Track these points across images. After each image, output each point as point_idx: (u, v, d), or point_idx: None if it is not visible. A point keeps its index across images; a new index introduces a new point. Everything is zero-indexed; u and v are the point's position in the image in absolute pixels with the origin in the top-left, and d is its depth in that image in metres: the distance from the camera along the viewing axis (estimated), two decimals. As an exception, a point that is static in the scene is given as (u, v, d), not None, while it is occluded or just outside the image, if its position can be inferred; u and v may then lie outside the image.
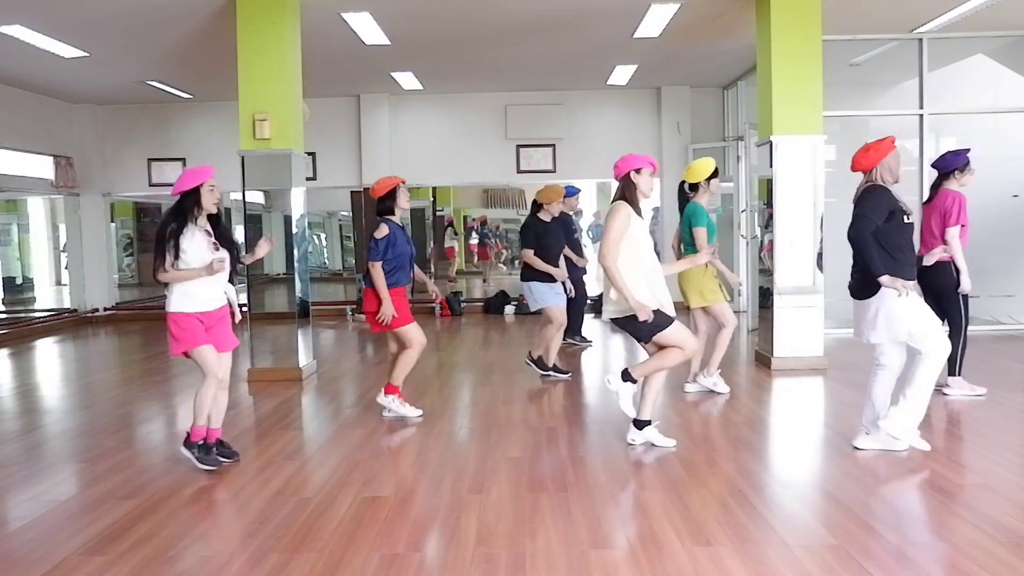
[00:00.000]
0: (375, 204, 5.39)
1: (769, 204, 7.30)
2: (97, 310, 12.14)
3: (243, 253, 4.60)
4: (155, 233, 4.29)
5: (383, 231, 5.22)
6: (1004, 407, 5.54)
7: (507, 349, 8.69)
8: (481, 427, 5.23)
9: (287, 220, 7.43)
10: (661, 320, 4.34)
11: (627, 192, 4.41)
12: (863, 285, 4.25)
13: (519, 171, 11.96)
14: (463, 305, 12.11)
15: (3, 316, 12.64)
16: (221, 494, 3.98)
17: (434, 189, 13.21)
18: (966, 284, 5.50)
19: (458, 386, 6.67)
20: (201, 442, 4.39)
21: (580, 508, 3.66)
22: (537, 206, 6.78)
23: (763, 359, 7.13)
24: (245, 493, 3.99)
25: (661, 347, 4.43)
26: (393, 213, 5.33)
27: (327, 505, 3.80)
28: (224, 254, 4.30)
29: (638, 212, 4.42)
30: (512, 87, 11.50)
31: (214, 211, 4.32)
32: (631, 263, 4.32)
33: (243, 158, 6.95)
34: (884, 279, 4.12)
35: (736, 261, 11.06)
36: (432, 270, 14.16)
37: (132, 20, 7.57)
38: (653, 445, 4.56)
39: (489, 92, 11.72)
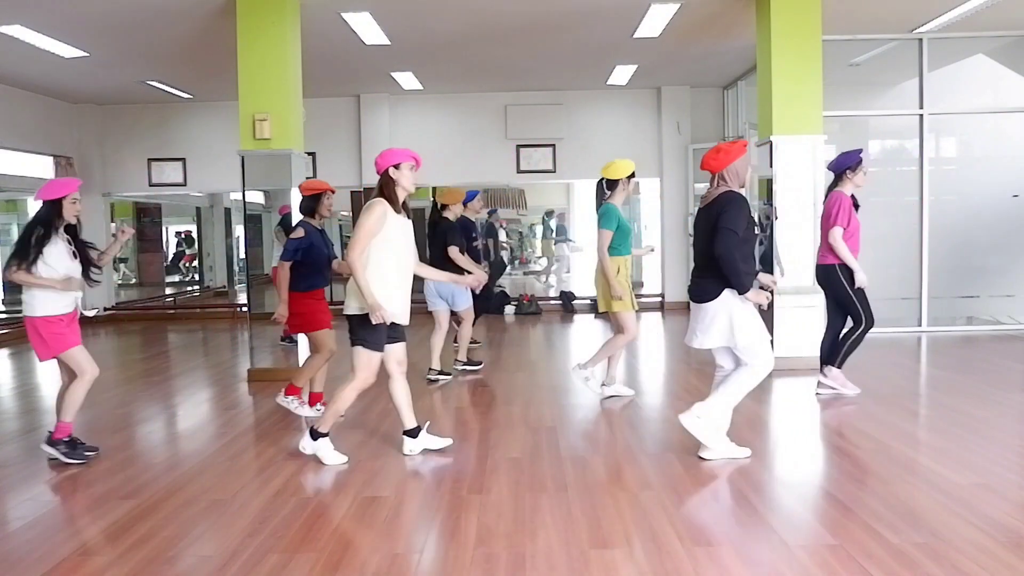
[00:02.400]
0: (300, 201, 5.49)
1: (769, 204, 7.30)
2: (97, 310, 12.13)
3: (97, 260, 4.73)
4: (20, 235, 4.52)
5: (299, 233, 5.26)
6: (1004, 407, 5.54)
7: (507, 349, 8.69)
8: (481, 427, 5.23)
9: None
10: (378, 337, 4.28)
11: (385, 189, 4.26)
12: (704, 290, 4.18)
13: (519, 171, 11.97)
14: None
15: (3, 316, 12.64)
16: (221, 494, 3.98)
17: (434, 189, 13.19)
18: (861, 279, 5.52)
19: (458, 386, 6.67)
20: (67, 438, 4.55)
21: (580, 508, 3.66)
22: (443, 207, 6.98)
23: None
24: (245, 493, 3.99)
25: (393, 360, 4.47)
26: (314, 215, 5.39)
27: (327, 505, 3.80)
28: (77, 267, 4.58)
29: (396, 210, 4.27)
30: (512, 87, 11.50)
31: (74, 222, 4.57)
32: (377, 263, 4.19)
33: (243, 158, 6.95)
34: (750, 294, 4.10)
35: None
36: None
37: (132, 20, 7.57)
38: (428, 450, 4.50)
39: (489, 92, 11.73)
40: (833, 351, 5.79)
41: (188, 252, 16.38)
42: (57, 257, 4.47)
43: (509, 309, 11.82)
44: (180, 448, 5.05)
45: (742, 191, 4.17)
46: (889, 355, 7.71)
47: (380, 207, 4.22)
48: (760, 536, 3.31)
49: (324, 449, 4.45)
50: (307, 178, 6.69)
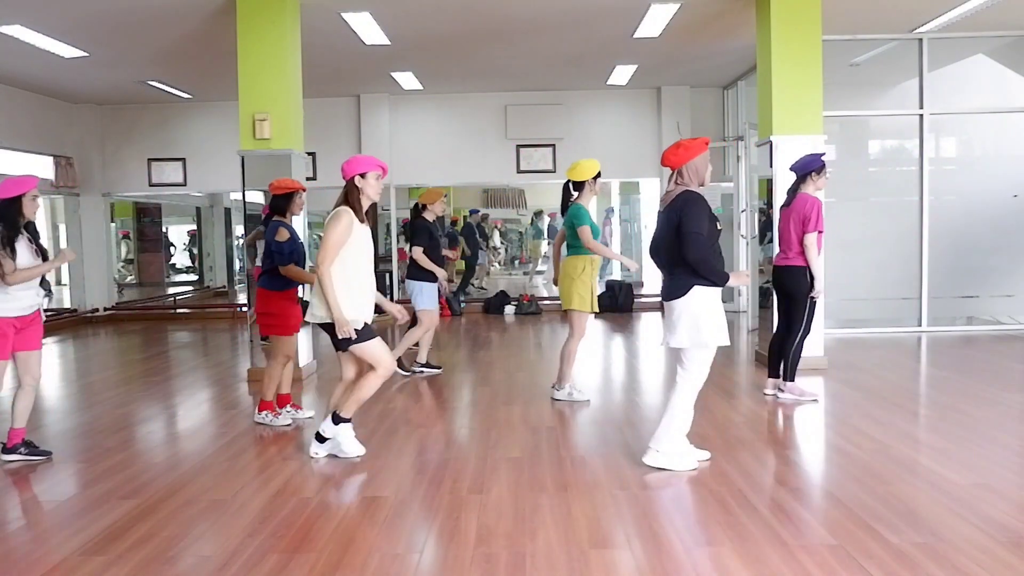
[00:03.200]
0: (270, 200, 5.45)
1: (769, 204, 7.30)
2: (97, 310, 12.13)
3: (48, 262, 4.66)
4: None
5: (284, 235, 5.23)
6: (1004, 407, 5.54)
7: (507, 349, 8.69)
8: (481, 427, 5.23)
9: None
10: (361, 333, 4.28)
11: (350, 197, 4.27)
12: (670, 288, 4.09)
13: (519, 171, 11.96)
14: (463, 305, 12.12)
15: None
16: (221, 494, 3.98)
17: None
18: (819, 288, 5.52)
19: (458, 386, 6.67)
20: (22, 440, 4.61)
21: (580, 508, 3.66)
22: (420, 207, 7.00)
23: (763, 359, 7.12)
24: (245, 493, 3.99)
25: (358, 357, 4.40)
26: (285, 214, 5.38)
27: (327, 505, 3.80)
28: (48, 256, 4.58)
29: (361, 219, 4.29)
30: (512, 87, 11.50)
31: (34, 219, 4.51)
32: (343, 269, 4.21)
33: (243, 158, 6.95)
34: (731, 280, 4.05)
35: (736, 261, 11.08)
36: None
37: (132, 20, 7.57)
38: (336, 456, 4.47)
39: (489, 92, 11.73)
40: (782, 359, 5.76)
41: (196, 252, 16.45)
42: (23, 254, 4.41)
43: (509, 309, 11.82)
44: (180, 448, 5.05)
45: (701, 190, 4.08)
46: (889, 355, 7.71)
47: (347, 216, 4.21)
48: (760, 536, 3.31)
49: (344, 435, 4.43)
50: (308, 179, 6.68)
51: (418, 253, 6.76)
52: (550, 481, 4.06)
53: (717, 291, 4.05)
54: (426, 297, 6.83)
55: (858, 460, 4.32)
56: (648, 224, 14.32)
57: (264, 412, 5.36)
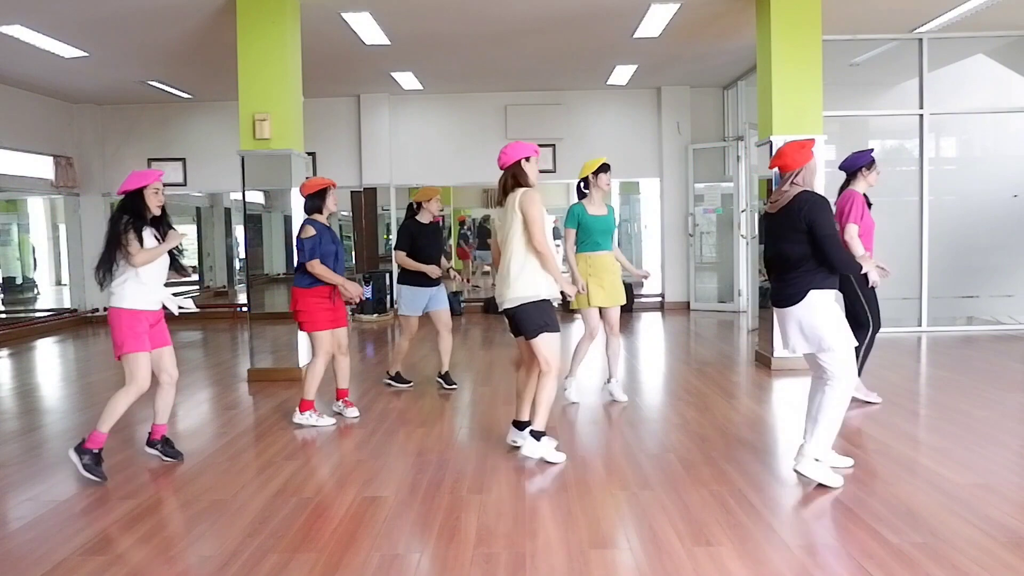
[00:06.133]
0: (304, 202, 5.45)
1: (766, 205, 7.30)
2: (97, 310, 12.13)
3: (184, 258, 4.73)
4: (108, 233, 4.34)
5: (309, 232, 5.25)
6: (1004, 407, 5.54)
7: (507, 349, 8.68)
8: (481, 427, 5.23)
9: (287, 220, 7.43)
10: (554, 317, 4.37)
11: (521, 180, 4.40)
12: (787, 294, 3.94)
13: (519, 171, 11.94)
14: (463, 305, 12.12)
15: (3, 316, 12.65)
16: (221, 494, 3.98)
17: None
18: (873, 279, 5.17)
19: (458, 386, 6.66)
20: (97, 450, 4.31)
21: (580, 508, 3.66)
22: (414, 208, 6.46)
23: (763, 359, 7.13)
24: (245, 493, 3.99)
25: (532, 354, 4.42)
26: (320, 212, 5.40)
27: (327, 505, 3.80)
28: (167, 259, 4.50)
29: None
30: (512, 87, 11.50)
31: (158, 213, 4.47)
32: (527, 249, 4.30)
33: (243, 158, 6.95)
34: (869, 271, 4.35)
35: (736, 261, 11.08)
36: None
37: (132, 20, 7.57)
38: (546, 461, 4.39)
39: (489, 92, 11.73)
40: None
41: None
42: (148, 246, 4.37)
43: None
44: (180, 448, 5.04)
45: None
46: (889, 355, 7.71)
47: (536, 193, 4.33)
48: (760, 536, 3.31)
49: (546, 449, 4.39)
50: (306, 178, 6.67)
51: (400, 257, 6.30)
52: (550, 481, 4.06)
53: (832, 294, 3.94)
54: (404, 302, 6.42)
55: (858, 460, 4.31)
56: (648, 224, 14.31)
57: (307, 412, 5.34)
